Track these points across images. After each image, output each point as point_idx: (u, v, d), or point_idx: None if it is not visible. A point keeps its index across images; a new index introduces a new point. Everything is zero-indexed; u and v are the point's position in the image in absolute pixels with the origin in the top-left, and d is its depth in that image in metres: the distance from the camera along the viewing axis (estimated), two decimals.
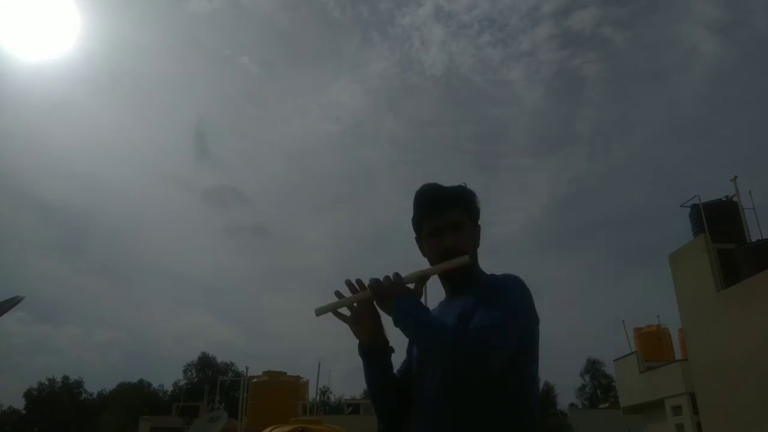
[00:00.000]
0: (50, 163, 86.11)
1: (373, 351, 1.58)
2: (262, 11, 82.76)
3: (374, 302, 1.52)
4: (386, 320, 1.55)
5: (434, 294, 1.74)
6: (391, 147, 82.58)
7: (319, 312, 1.53)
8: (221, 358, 57.70)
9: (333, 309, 1.55)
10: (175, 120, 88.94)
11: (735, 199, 10.63)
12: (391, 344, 1.62)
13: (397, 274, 1.51)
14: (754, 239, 10.15)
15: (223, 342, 76.49)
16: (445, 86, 78.97)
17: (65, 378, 56.09)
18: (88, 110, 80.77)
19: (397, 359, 1.67)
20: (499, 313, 1.38)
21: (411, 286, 1.51)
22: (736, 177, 10.76)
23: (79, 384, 56.71)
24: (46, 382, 55.43)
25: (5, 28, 73.90)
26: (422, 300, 1.54)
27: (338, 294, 1.55)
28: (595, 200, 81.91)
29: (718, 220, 10.45)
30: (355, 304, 1.56)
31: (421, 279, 1.53)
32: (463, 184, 1.64)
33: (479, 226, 1.65)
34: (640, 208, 77.42)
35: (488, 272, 1.63)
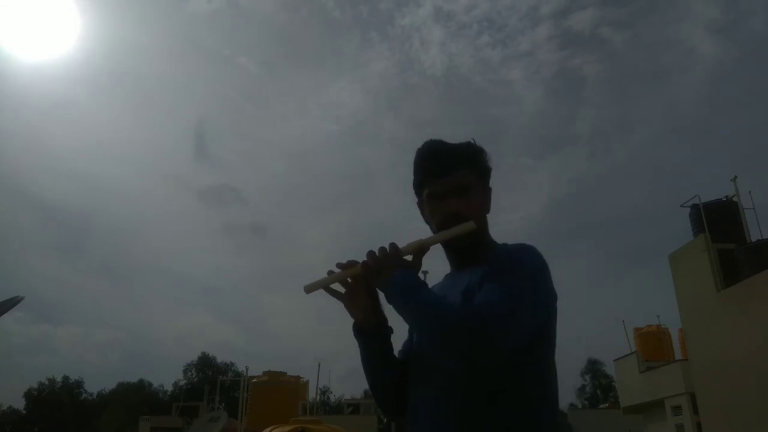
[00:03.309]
0: (50, 163, 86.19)
1: (369, 330, 1.42)
2: (262, 11, 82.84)
3: (366, 277, 1.35)
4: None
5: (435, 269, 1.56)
6: (391, 147, 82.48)
7: (309, 289, 1.38)
8: (221, 358, 57.68)
9: (324, 285, 1.39)
10: (175, 120, 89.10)
11: (735, 199, 10.63)
12: (390, 324, 1.46)
13: (393, 245, 1.33)
14: (754, 239, 10.15)
15: (223, 342, 76.53)
16: (444, 86, 79.05)
17: (65, 378, 56.09)
18: (88, 110, 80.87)
19: (398, 341, 1.51)
20: (510, 289, 1.18)
21: (409, 258, 1.35)
22: (736, 177, 10.79)
23: (79, 384, 56.71)
24: (46, 382, 55.43)
25: (5, 28, 74.00)
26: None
27: (331, 272, 1.40)
28: (595, 200, 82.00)
29: (718, 220, 10.45)
30: (349, 280, 1.40)
31: (420, 250, 1.35)
32: (472, 140, 1.44)
33: (490, 189, 1.45)
34: (640, 208, 77.47)
35: (500, 242, 1.43)
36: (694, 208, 10.88)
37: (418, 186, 1.45)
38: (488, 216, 1.45)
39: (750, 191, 10.72)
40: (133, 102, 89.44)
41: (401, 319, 1.42)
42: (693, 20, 74.17)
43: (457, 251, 1.42)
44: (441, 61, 77.74)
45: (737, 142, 72.52)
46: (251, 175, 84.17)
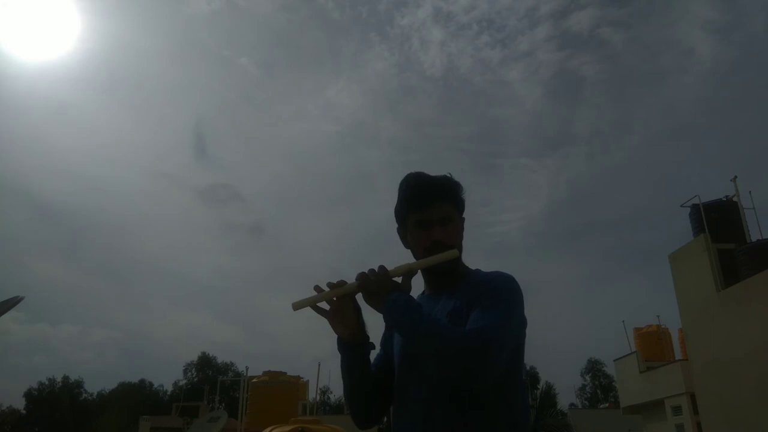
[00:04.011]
0: (50, 163, 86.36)
1: (353, 345, 1.53)
2: (261, 12, 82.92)
3: (362, 297, 1.46)
4: (367, 315, 1.53)
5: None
6: (390, 147, 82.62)
7: (297, 306, 1.47)
8: (221, 358, 57.78)
9: (312, 303, 1.48)
10: (175, 121, 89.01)
11: (735, 199, 10.61)
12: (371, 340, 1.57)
13: (382, 267, 1.45)
14: (754, 239, 10.14)
15: (223, 342, 76.72)
16: (444, 87, 79.10)
17: (65, 378, 56.15)
18: (88, 111, 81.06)
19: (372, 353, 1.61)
20: (500, 315, 1.33)
21: (398, 280, 1.45)
22: (736, 177, 10.76)
23: (79, 384, 56.75)
24: (46, 382, 55.49)
25: (5, 28, 73.98)
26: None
27: (317, 289, 1.49)
28: (595, 200, 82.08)
29: (718, 220, 10.44)
30: (335, 298, 1.49)
31: (409, 273, 1.47)
32: (449, 175, 1.58)
33: (464, 219, 1.60)
34: (640, 209, 77.63)
35: (473, 268, 1.58)
36: (694, 208, 10.86)
37: (403, 215, 1.58)
38: (470, 236, 1.61)
39: (750, 191, 10.70)
40: (133, 102, 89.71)
41: (379, 334, 1.59)
42: (691, 21, 74.31)
43: (437, 275, 1.55)
44: (440, 61, 77.83)
45: (737, 142, 72.59)
46: (251, 175, 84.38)
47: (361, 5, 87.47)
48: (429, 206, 1.51)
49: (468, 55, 78.13)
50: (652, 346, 17.92)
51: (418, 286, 1.61)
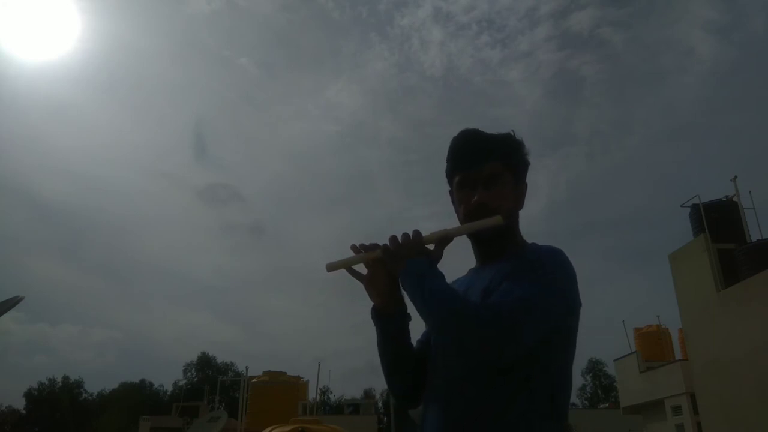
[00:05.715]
0: (50, 163, 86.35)
1: (386, 315, 1.40)
2: (261, 12, 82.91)
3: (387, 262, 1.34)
4: None
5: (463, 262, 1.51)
6: (390, 147, 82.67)
7: (331, 268, 1.38)
8: (221, 358, 57.80)
9: (346, 266, 1.38)
10: (175, 121, 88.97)
11: (735, 199, 10.61)
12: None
13: (417, 232, 1.31)
14: (754, 239, 10.14)
15: (223, 342, 76.68)
16: (444, 87, 79.10)
17: (65, 378, 56.17)
18: (88, 111, 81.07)
19: (418, 329, 1.47)
20: (529, 290, 1.15)
21: (431, 247, 1.32)
22: (736, 177, 10.76)
23: (79, 384, 56.77)
24: (46, 382, 55.51)
25: (5, 28, 74.04)
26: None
27: (354, 248, 1.38)
28: (595, 200, 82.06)
29: (718, 220, 10.44)
30: (371, 262, 1.38)
31: (443, 240, 1.32)
32: (511, 132, 1.39)
33: (526, 185, 1.41)
34: (640, 209, 77.62)
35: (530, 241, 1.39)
36: (694, 208, 10.86)
37: (450, 174, 1.42)
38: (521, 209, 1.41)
39: (750, 191, 10.71)
40: (133, 102, 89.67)
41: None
42: (692, 21, 74.32)
43: (482, 245, 1.39)
44: (440, 61, 77.84)
45: (737, 142, 72.60)
46: (251, 175, 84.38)
47: (361, 5, 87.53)
48: (474, 166, 1.34)
49: (468, 55, 78.24)
50: (652, 346, 17.93)
51: (466, 259, 1.47)
